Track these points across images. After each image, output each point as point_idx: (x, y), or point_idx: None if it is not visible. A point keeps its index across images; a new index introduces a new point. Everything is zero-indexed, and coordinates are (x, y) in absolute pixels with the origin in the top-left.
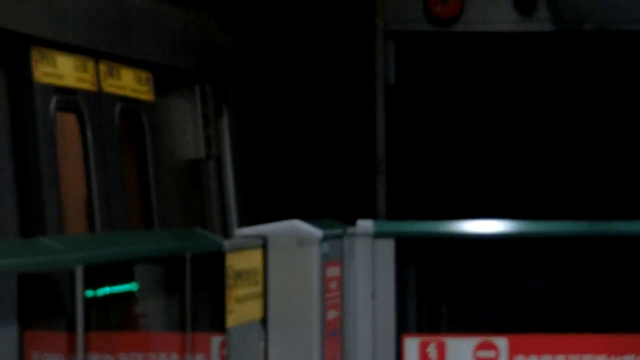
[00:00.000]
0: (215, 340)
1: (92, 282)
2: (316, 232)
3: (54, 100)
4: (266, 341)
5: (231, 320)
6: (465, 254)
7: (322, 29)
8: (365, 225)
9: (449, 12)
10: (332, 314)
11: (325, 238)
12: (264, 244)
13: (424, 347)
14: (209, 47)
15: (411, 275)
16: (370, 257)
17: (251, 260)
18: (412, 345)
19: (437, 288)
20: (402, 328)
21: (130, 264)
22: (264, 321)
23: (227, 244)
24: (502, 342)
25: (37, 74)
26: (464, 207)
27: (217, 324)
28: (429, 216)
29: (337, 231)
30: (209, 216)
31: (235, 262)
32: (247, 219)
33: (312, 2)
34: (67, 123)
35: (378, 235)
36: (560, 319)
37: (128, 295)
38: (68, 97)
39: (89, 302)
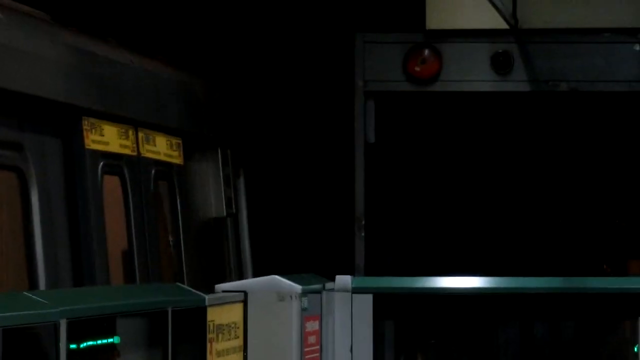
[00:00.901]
0: None
1: (75, 335)
2: (296, 287)
3: (101, 164)
4: None
5: None
6: (441, 309)
7: (302, 89)
8: (343, 280)
9: (427, 72)
10: None
11: (305, 293)
12: (244, 298)
13: None
14: (228, 114)
15: (389, 330)
16: (349, 311)
17: (232, 314)
18: None
19: (414, 342)
20: None
21: (113, 318)
22: None
23: (208, 298)
24: None
25: (87, 141)
26: (441, 264)
27: None
28: (406, 272)
29: (316, 286)
30: (228, 269)
31: (216, 316)
32: (258, 271)
33: (293, 62)
34: (112, 184)
35: (356, 290)
36: None
37: (110, 348)
38: (113, 162)
39: (72, 355)
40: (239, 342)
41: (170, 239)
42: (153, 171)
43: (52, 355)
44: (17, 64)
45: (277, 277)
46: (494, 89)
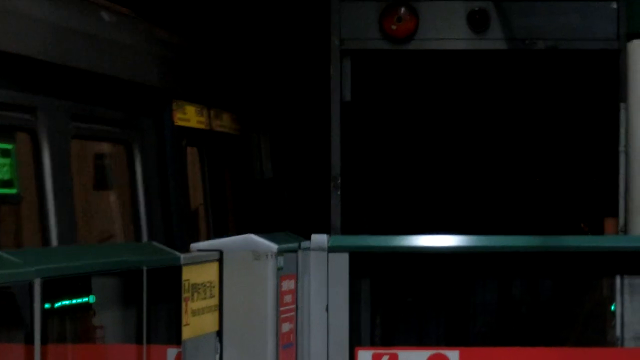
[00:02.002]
0: (171, 352)
1: (50, 294)
2: (271, 245)
3: (185, 138)
4: (221, 353)
5: (187, 333)
6: (418, 268)
7: (279, 47)
8: (319, 239)
9: (403, 30)
10: (286, 327)
11: (281, 252)
12: (220, 257)
13: (377, 359)
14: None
15: (365, 289)
16: (325, 270)
17: (207, 273)
18: (365, 358)
19: (391, 301)
20: (356, 341)
21: (88, 277)
22: (219, 334)
23: (183, 257)
24: (454, 355)
25: (176, 119)
26: (418, 222)
27: (173, 336)
28: (383, 231)
29: (292, 245)
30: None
31: (192, 275)
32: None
33: (269, 20)
34: (192, 154)
35: (332, 249)
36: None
37: (85, 307)
38: (193, 136)
39: (46, 315)
40: (214, 301)
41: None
42: (222, 142)
43: (27, 315)
44: (126, 56)
45: (252, 235)
46: (470, 47)
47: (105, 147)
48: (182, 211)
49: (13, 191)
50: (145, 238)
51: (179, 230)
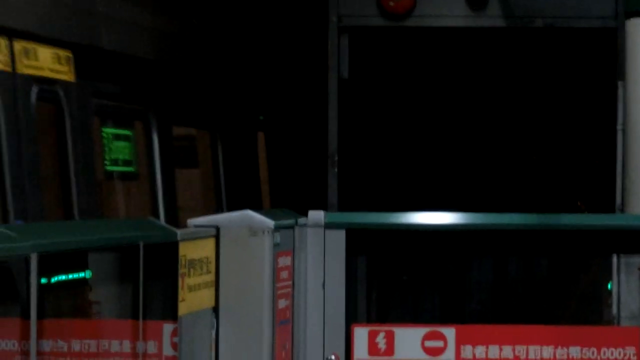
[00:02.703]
0: (167, 327)
1: (46, 269)
2: (268, 222)
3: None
4: (217, 329)
5: (183, 309)
6: (414, 246)
7: (275, 24)
8: (316, 215)
9: (401, 7)
10: (282, 303)
11: (277, 228)
12: (216, 233)
13: (373, 336)
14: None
15: (361, 266)
16: (321, 247)
17: (204, 249)
18: (361, 334)
19: (387, 278)
20: (352, 318)
21: (84, 252)
22: (215, 309)
23: (180, 233)
24: (450, 332)
25: None
26: (416, 200)
27: (169, 312)
28: (380, 208)
29: (289, 221)
30: None
31: (188, 251)
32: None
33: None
34: None
35: (329, 225)
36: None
37: (81, 282)
38: None
39: (43, 290)
40: (210, 277)
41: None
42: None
43: (23, 290)
44: None
45: (249, 212)
46: (468, 24)
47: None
48: None
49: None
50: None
51: None
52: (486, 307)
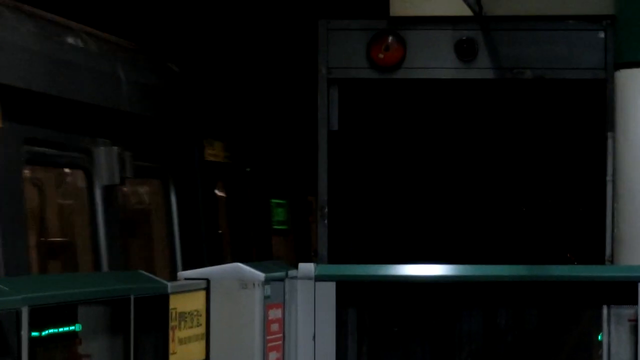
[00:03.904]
0: None
1: (37, 323)
2: (258, 274)
3: None
4: None
5: None
6: (404, 297)
7: (266, 75)
8: (306, 268)
9: (391, 59)
10: (273, 356)
11: (268, 280)
12: (207, 286)
13: None
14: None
15: (351, 318)
16: (312, 299)
17: (194, 302)
18: None
19: (377, 330)
20: None
21: (75, 305)
22: None
23: (171, 286)
24: None
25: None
26: (406, 252)
27: None
28: (370, 260)
29: (279, 274)
30: None
31: (179, 304)
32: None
33: (258, 48)
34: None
35: (319, 278)
36: None
37: (72, 335)
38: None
39: (34, 343)
40: (201, 329)
41: None
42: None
43: (14, 343)
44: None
45: (239, 264)
46: (458, 76)
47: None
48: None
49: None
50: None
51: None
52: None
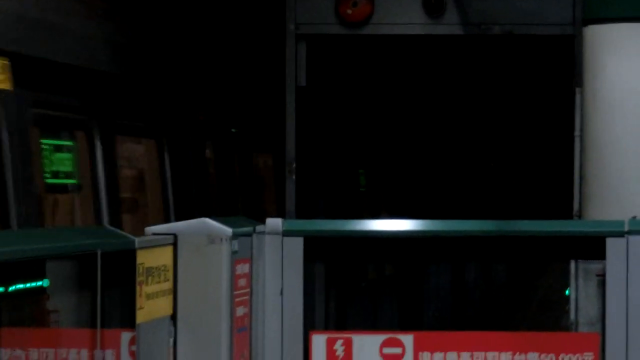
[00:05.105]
0: (125, 336)
1: (3, 278)
2: (226, 229)
3: None
4: (175, 337)
5: (141, 317)
6: (372, 253)
7: (234, 32)
8: (274, 223)
9: (359, 15)
10: (241, 311)
11: (235, 235)
12: (174, 241)
13: (331, 343)
14: None
15: (319, 273)
16: (279, 254)
17: (162, 257)
18: (319, 341)
19: (345, 285)
20: (310, 325)
21: (42, 261)
22: (173, 317)
23: (138, 241)
24: (407, 339)
25: None
26: (374, 207)
27: (127, 320)
28: (338, 216)
29: (247, 229)
30: None
31: (146, 259)
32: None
33: (225, 4)
34: None
35: (287, 233)
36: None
37: (39, 291)
38: None
39: (0, 298)
40: (168, 284)
41: None
42: None
43: None
44: None
45: (207, 219)
46: (425, 32)
47: None
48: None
49: None
50: None
51: None
52: (444, 313)
